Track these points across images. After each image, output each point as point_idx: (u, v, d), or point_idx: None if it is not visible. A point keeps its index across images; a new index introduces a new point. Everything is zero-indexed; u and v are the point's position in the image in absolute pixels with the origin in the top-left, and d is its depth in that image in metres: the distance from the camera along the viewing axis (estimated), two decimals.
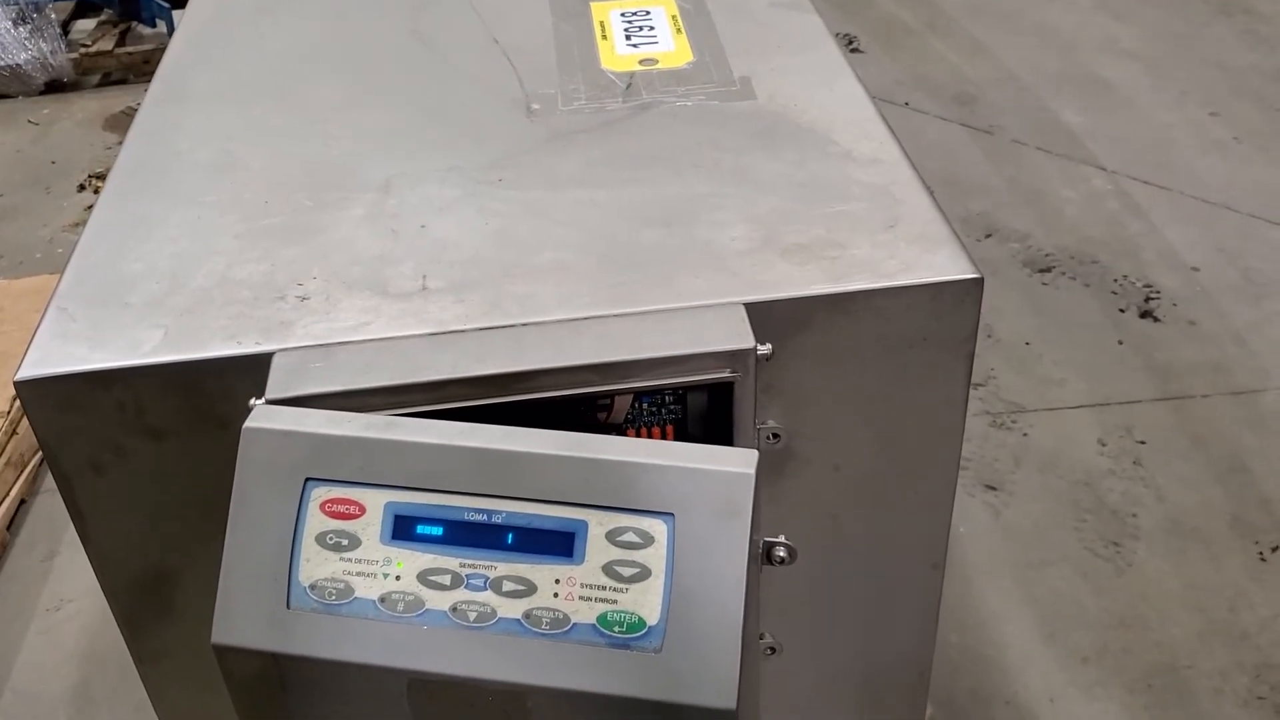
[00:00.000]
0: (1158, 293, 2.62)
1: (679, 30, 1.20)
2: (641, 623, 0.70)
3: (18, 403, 2.38)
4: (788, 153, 1.01)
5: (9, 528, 2.23)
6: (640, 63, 1.15)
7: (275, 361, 0.82)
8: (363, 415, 0.76)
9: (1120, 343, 2.49)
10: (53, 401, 0.83)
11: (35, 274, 2.90)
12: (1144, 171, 3.03)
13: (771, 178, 0.98)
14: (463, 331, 0.84)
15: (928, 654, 1.08)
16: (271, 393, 0.79)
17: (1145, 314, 2.56)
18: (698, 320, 0.83)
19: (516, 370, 0.80)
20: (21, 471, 2.34)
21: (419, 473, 0.74)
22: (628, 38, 1.19)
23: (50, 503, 2.32)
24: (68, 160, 3.48)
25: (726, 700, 0.69)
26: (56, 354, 0.84)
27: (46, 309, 0.89)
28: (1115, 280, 2.67)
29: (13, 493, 2.29)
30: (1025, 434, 2.29)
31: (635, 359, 0.80)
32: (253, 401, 0.79)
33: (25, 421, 2.38)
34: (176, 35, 1.30)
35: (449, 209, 0.97)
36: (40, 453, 2.40)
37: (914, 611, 1.04)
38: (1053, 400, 2.36)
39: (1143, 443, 2.25)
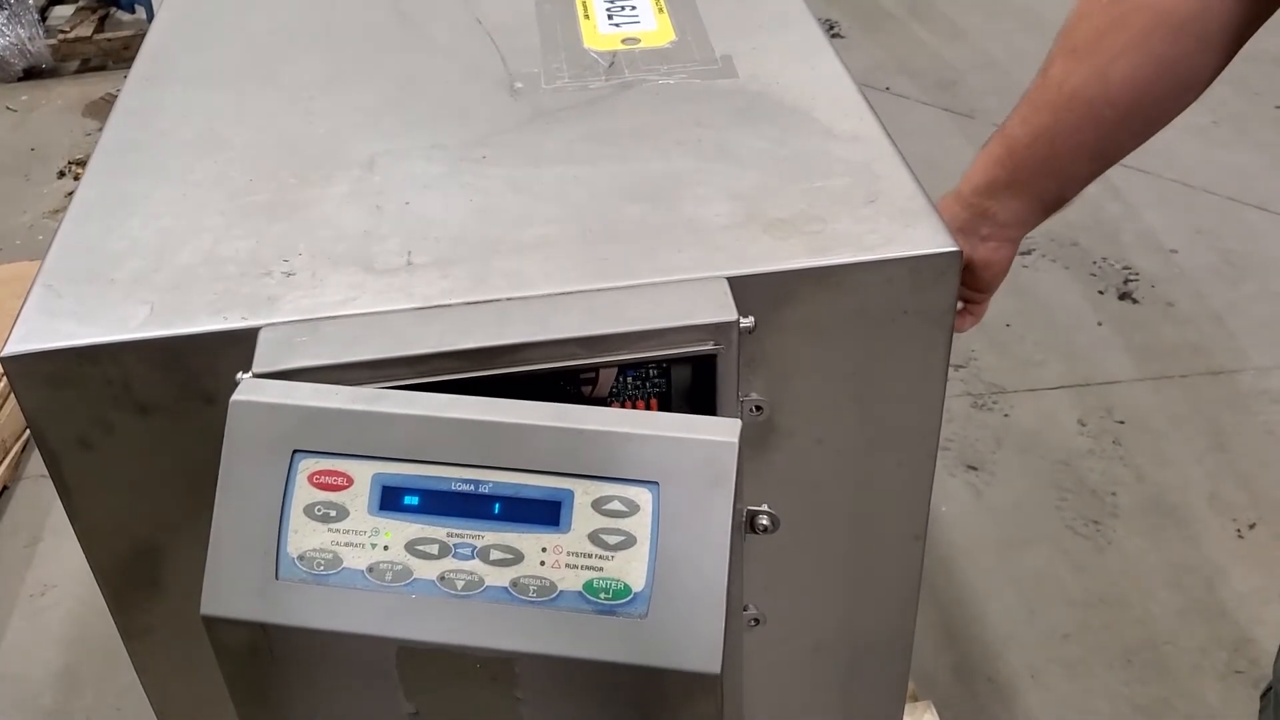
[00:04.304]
0: (1137, 275, 2.65)
1: (660, 10, 1.21)
2: (627, 589, 0.71)
3: None
4: (769, 130, 1.01)
5: None
6: (623, 42, 1.16)
7: (262, 336, 0.82)
8: (349, 388, 0.77)
9: (1100, 324, 2.52)
10: (40, 377, 0.84)
11: (15, 261, 2.89)
12: None
13: (753, 154, 0.99)
14: (448, 306, 0.84)
15: (910, 626, 1.10)
16: (258, 367, 0.80)
17: (1124, 295, 2.59)
18: (681, 294, 0.84)
19: (502, 344, 0.80)
20: (4, 458, 2.34)
21: (406, 444, 0.74)
22: (610, 17, 1.20)
23: (33, 489, 2.31)
24: (47, 147, 3.46)
25: (711, 664, 0.70)
26: (43, 330, 0.84)
27: (32, 286, 0.89)
28: (1095, 262, 2.70)
29: None
30: (1006, 415, 2.31)
31: (619, 332, 0.81)
32: (240, 375, 0.79)
33: (6, 410, 2.37)
34: (159, 16, 1.30)
35: (433, 186, 0.97)
36: (21, 439, 2.40)
37: (896, 583, 1.06)
38: (1033, 381, 2.39)
39: (1122, 423, 2.27)
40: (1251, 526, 2.06)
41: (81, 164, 3.35)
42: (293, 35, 1.24)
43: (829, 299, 0.88)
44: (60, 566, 2.13)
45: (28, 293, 0.89)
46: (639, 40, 1.16)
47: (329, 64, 1.17)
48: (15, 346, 0.83)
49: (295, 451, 0.75)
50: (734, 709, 0.82)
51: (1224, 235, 2.76)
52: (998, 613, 1.94)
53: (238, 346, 0.83)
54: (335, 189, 0.97)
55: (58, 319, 0.85)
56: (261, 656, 0.76)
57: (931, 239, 0.88)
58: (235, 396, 0.76)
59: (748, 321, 0.82)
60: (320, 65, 1.17)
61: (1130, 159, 2.79)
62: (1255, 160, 3.02)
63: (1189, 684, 1.82)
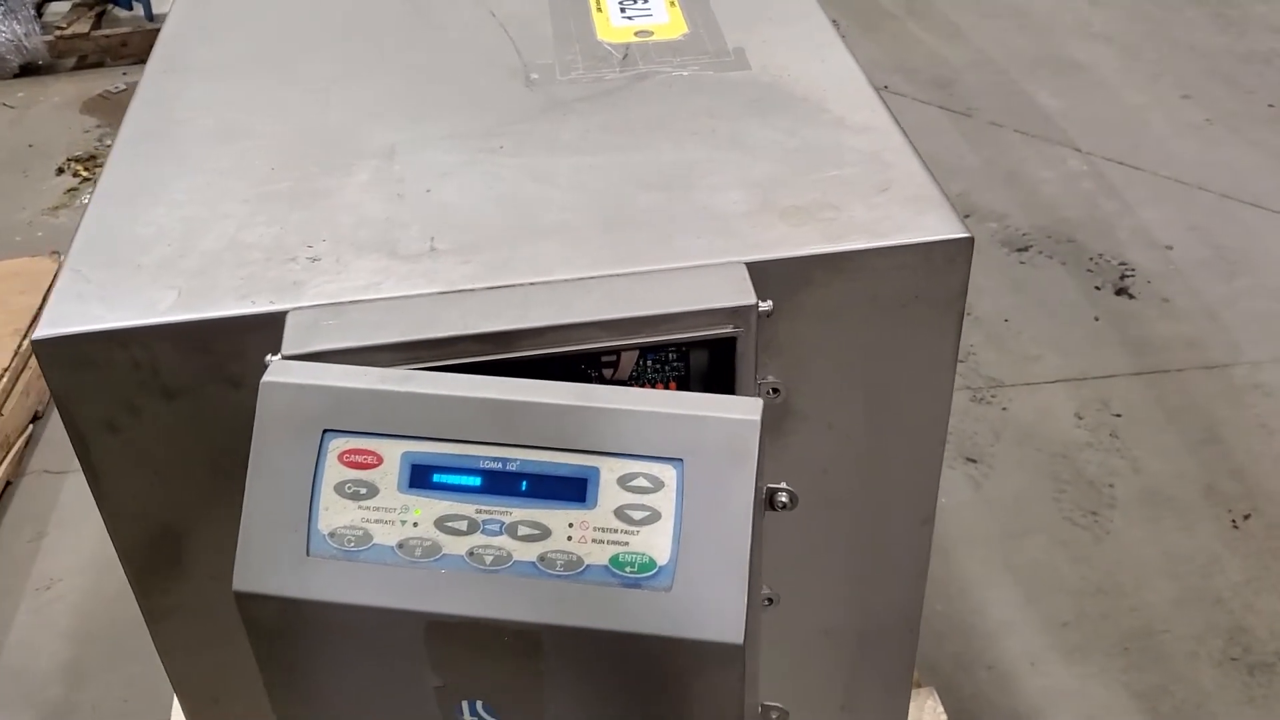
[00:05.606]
0: (1133, 270, 2.68)
1: (672, 3, 1.23)
2: (652, 563, 0.73)
3: (2, 383, 2.38)
4: (782, 120, 1.03)
5: None
6: (635, 34, 1.17)
7: (289, 319, 0.84)
8: (378, 369, 0.78)
9: (1096, 319, 2.54)
10: (70, 360, 0.85)
11: (16, 257, 2.89)
12: (1118, 152, 3.08)
13: (767, 144, 1.00)
14: (471, 291, 0.86)
15: (917, 609, 1.12)
16: (287, 349, 0.81)
17: (1120, 291, 2.61)
18: (701, 279, 0.86)
19: (527, 327, 0.82)
20: (8, 453, 2.34)
21: (435, 423, 0.76)
22: (622, 10, 1.22)
23: (37, 484, 2.32)
24: (45, 144, 3.46)
25: (734, 635, 0.72)
26: (73, 314, 0.86)
27: (60, 271, 0.91)
28: (1091, 259, 2.72)
29: None
30: (1004, 408, 2.33)
31: (641, 315, 0.83)
32: (269, 358, 0.80)
33: (10, 405, 2.38)
34: (173, 9, 1.31)
35: (453, 174, 0.99)
36: (25, 435, 2.41)
37: (905, 566, 1.08)
38: (1031, 375, 2.41)
39: (1119, 416, 2.30)
40: (1246, 517, 2.08)
41: (81, 161, 3.35)
42: (307, 28, 1.25)
43: (843, 284, 0.90)
44: (66, 560, 2.14)
45: (54, 278, 0.91)
46: (651, 33, 1.17)
47: (344, 56, 1.19)
48: (45, 330, 0.85)
49: (325, 431, 0.77)
50: (751, 685, 0.84)
51: (1218, 231, 2.79)
52: (997, 602, 1.96)
53: (263, 330, 0.85)
54: (356, 177, 0.99)
55: (86, 303, 0.87)
56: (292, 632, 0.78)
57: (943, 225, 0.90)
58: (266, 378, 0.78)
59: (766, 305, 0.84)
60: (336, 57, 1.19)
61: (1126, 156, 2.82)
62: (1249, 158, 3.05)
63: (1185, 671, 1.84)
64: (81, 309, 0.86)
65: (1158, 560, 2.02)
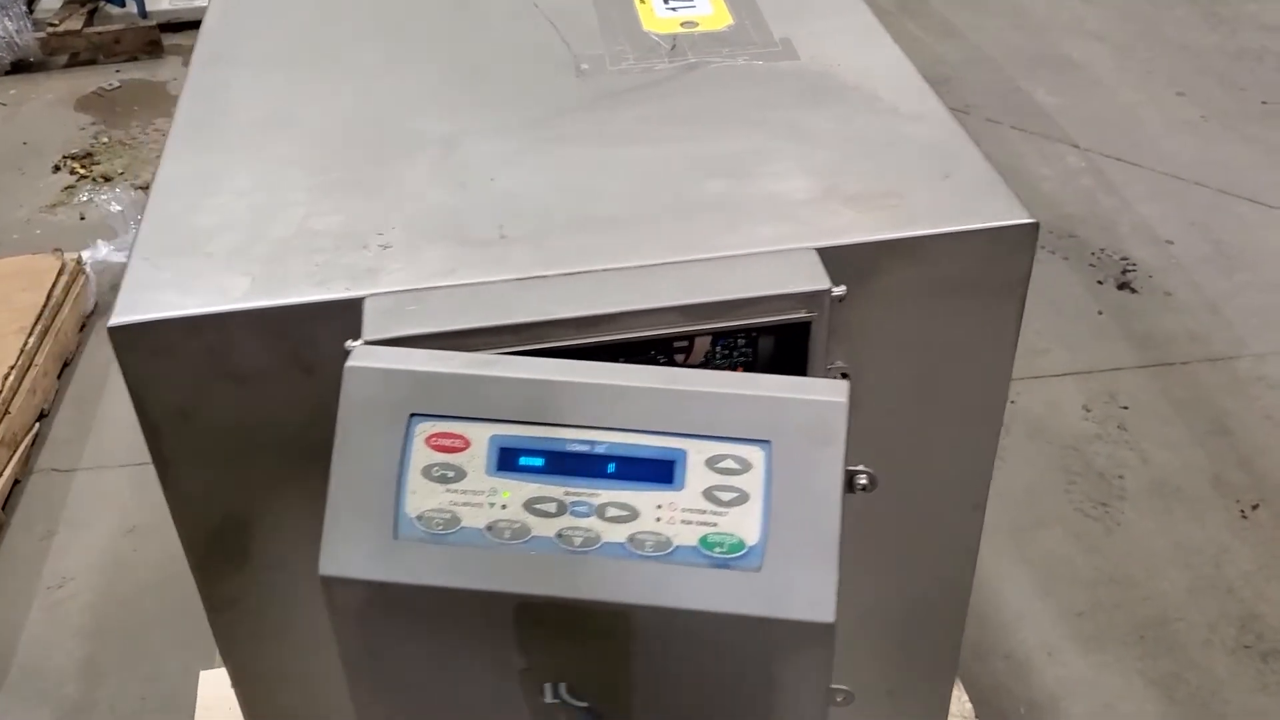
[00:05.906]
0: (1134, 265, 2.71)
1: None
2: (741, 544, 0.74)
3: (8, 382, 2.36)
4: (836, 109, 1.05)
5: (3, 507, 2.22)
6: (681, 25, 1.18)
7: (368, 305, 0.84)
8: (464, 353, 0.79)
9: (1100, 313, 2.57)
10: (145, 348, 0.85)
11: (15, 255, 2.86)
12: (1116, 149, 3.11)
13: (824, 132, 1.02)
14: (546, 277, 0.86)
15: (965, 594, 1.13)
16: (369, 334, 0.81)
17: (1123, 285, 2.64)
18: (773, 264, 0.86)
19: (608, 312, 0.83)
20: (14, 451, 2.32)
21: (522, 406, 0.76)
22: (666, 1, 1.22)
23: (45, 482, 2.30)
24: (40, 141, 3.43)
25: (825, 614, 0.73)
26: (147, 301, 0.86)
27: (129, 260, 0.91)
28: (1093, 254, 2.75)
29: (6, 472, 2.27)
30: (1013, 401, 2.35)
31: (718, 300, 0.84)
32: (350, 343, 0.81)
33: (16, 403, 2.36)
34: (213, 2, 1.31)
35: (514, 163, 0.99)
36: (31, 433, 2.39)
37: (955, 551, 1.09)
38: (1038, 369, 2.43)
39: (1126, 408, 2.33)
40: (1254, 507, 2.11)
41: (77, 158, 3.33)
42: (348, 19, 1.25)
43: (909, 270, 0.91)
44: (77, 558, 2.12)
45: (125, 267, 0.91)
46: (697, 24, 1.18)
47: (390, 48, 1.19)
48: (121, 317, 0.84)
49: (412, 415, 0.77)
50: None
51: (1217, 227, 2.83)
52: (1012, 593, 1.98)
53: (338, 316, 0.85)
54: (418, 166, 0.99)
55: (160, 291, 0.87)
56: (378, 615, 0.78)
57: (1009, 211, 0.91)
58: (351, 362, 0.78)
59: (840, 290, 0.85)
60: (381, 50, 1.19)
61: (1124, 153, 2.83)
62: (1244, 154, 3.09)
63: (1199, 658, 1.87)
64: (155, 296, 0.86)
65: (1169, 550, 2.04)
